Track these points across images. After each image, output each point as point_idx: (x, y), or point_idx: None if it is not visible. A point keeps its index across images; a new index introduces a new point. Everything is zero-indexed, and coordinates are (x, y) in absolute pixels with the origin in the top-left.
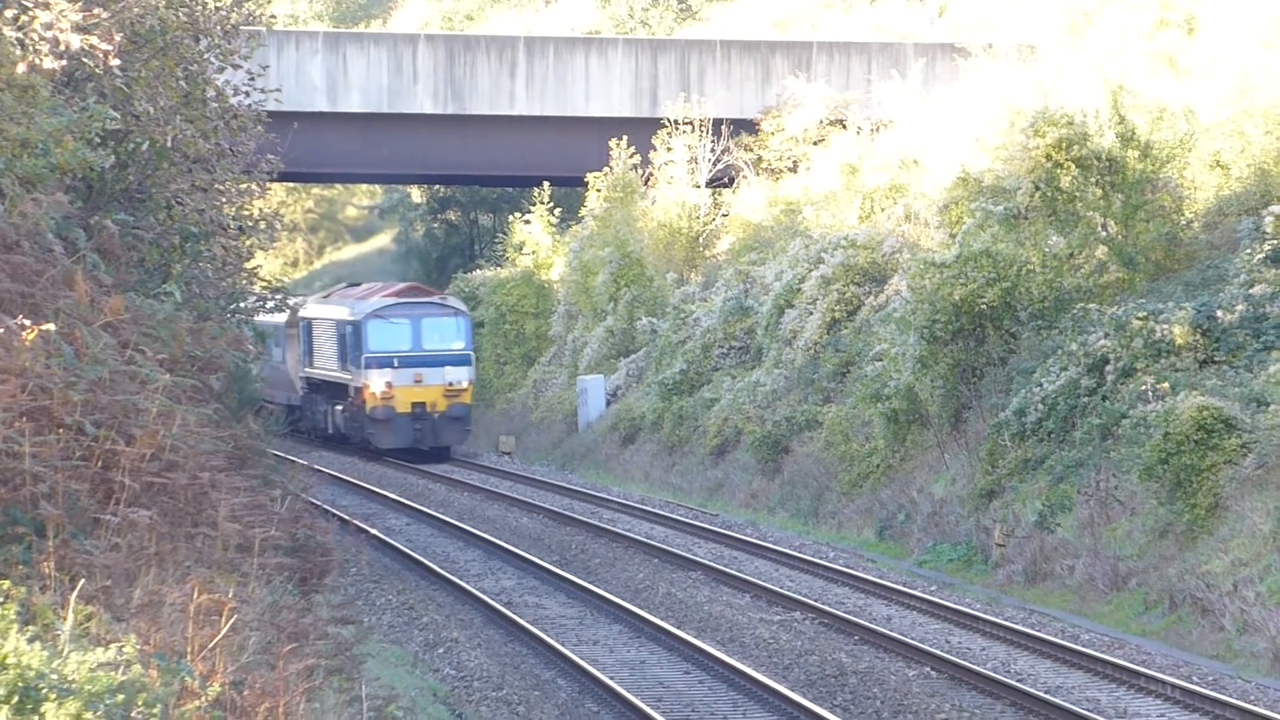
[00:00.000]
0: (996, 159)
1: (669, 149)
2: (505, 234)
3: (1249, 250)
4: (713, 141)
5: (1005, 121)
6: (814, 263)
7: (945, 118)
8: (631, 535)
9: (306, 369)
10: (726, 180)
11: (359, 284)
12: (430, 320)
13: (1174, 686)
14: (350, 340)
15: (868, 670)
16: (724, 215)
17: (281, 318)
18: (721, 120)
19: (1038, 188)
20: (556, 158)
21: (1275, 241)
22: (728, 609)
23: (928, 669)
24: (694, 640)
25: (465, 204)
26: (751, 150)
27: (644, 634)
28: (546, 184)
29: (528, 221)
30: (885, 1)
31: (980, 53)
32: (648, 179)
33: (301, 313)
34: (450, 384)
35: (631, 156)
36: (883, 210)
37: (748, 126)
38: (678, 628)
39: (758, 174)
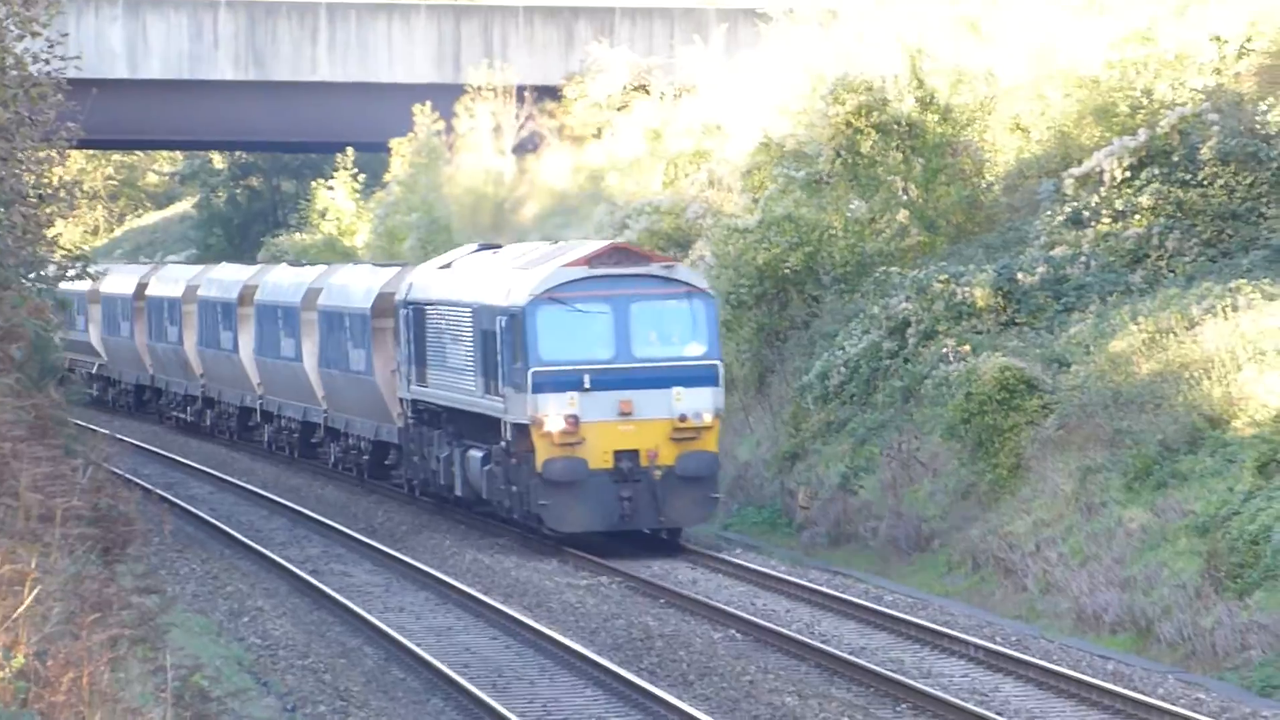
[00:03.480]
0: (798, 125)
1: (473, 115)
2: (309, 200)
3: (1049, 212)
4: (517, 108)
5: (807, 87)
6: (619, 229)
7: (748, 83)
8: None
9: (415, 386)
10: (532, 147)
11: (497, 245)
12: (645, 305)
13: (977, 647)
14: (504, 341)
15: (674, 633)
16: (530, 182)
17: (355, 304)
18: (525, 87)
19: (839, 154)
20: (360, 123)
21: (1075, 204)
22: (535, 574)
23: (733, 631)
24: (500, 606)
25: (268, 170)
26: (555, 117)
27: (450, 600)
28: (350, 149)
29: (331, 188)
30: None
31: (782, 18)
32: (452, 145)
33: (403, 294)
34: (682, 418)
35: (436, 122)
36: (686, 176)
37: (552, 93)
38: (484, 594)
39: (562, 141)
